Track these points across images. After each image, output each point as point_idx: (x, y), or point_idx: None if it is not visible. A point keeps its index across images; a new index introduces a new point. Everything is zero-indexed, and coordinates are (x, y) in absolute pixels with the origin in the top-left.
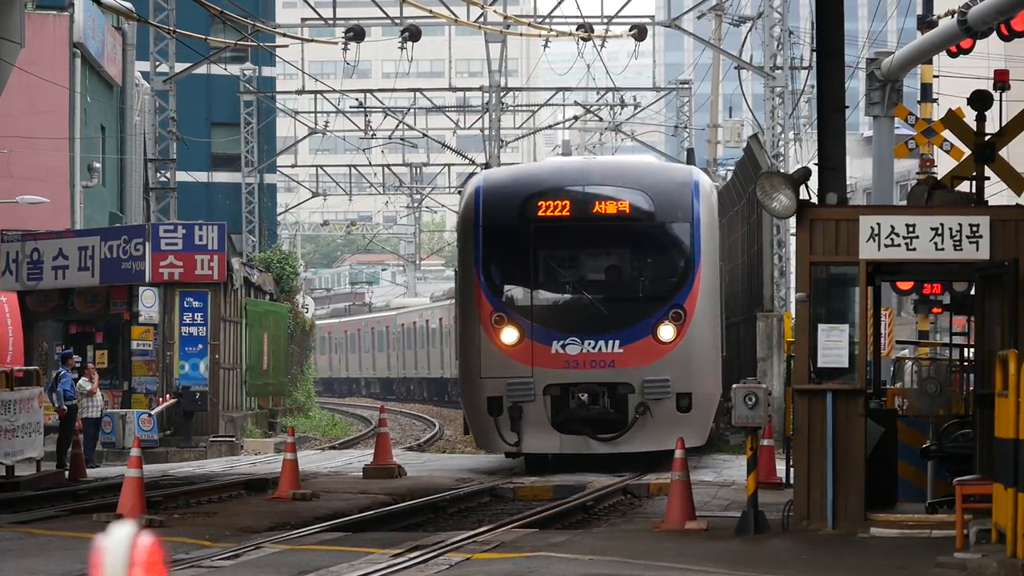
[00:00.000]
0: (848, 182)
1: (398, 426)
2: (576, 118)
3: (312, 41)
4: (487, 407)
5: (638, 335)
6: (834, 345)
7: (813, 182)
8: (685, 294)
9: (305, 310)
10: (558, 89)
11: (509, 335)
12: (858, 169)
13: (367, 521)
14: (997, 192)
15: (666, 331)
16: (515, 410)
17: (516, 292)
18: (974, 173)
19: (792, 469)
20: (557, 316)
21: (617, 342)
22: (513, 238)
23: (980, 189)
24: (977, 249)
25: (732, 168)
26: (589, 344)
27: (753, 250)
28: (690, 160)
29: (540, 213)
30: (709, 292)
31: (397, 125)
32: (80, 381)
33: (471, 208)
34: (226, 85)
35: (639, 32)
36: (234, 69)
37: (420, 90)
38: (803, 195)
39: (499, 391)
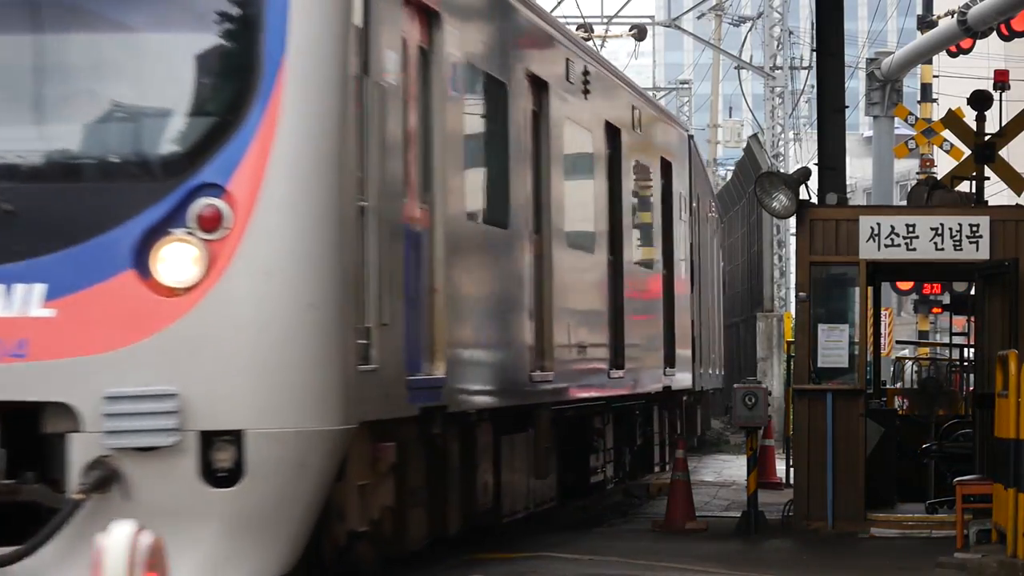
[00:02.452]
0: (848, 182)
1: None
2: None
3: None
4: None
5: (98, 272)
6: (834, 345)
7: (813, 182)
8: (233, 159)
9: None
10: None
11: None
12: (858, 169)
13: None
14: (997, 192)
15: (174, 260)
16: None
17: None
18: (974, 173)
19: (792, 469)
20: None
21: (40, 290)
22: None
23: (980, 189)
24: (977, 249)
25: (732, 168)
26: None
27: (753, 250)
28: None
29: None
30: (313, 153)
31: None
32: None
33: None
34: None
35: (639, 32)
36: None
37: None
38: (803, 195)
39: None
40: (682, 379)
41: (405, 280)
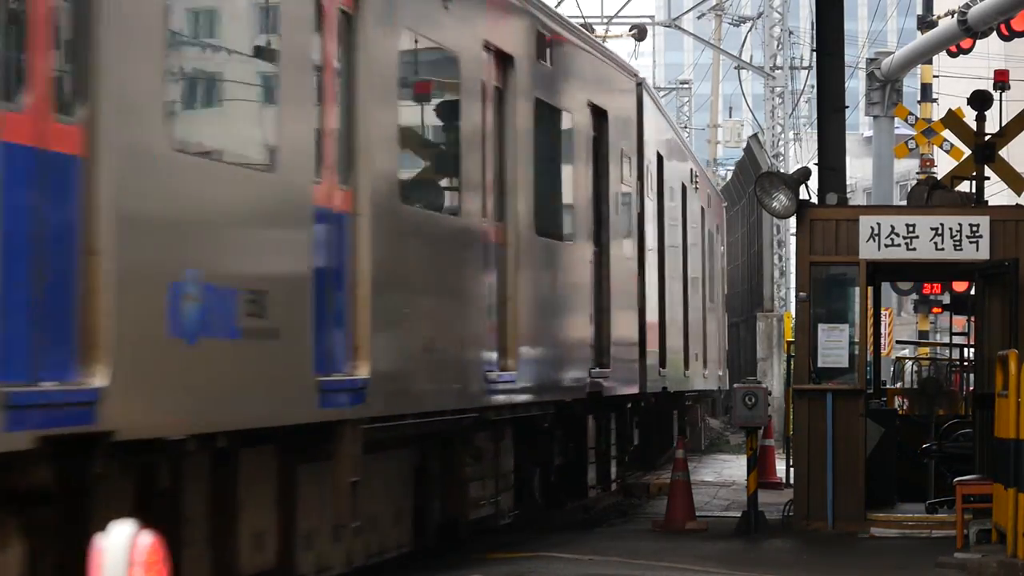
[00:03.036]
0: (848, 182)
1: None
2: None
3: None
4: None
5: None
6: (834, 345)
7: (813, 182)
8: None
9: None
10: None
11: None
12: (858, 169)
13: None
14: (997, 192)
15: None
16: None
17: None
18: (974, 173)
19: (792, 469)
20: None
21: None
22: None
23: (980, 189)
24: (977, 249)
25: (732, 168)
26: None
27: (753, 250)
28: None
29: None
30: None
31: None
32: None
33: None
34: None
35: (639, 32)
36: None
37: None
38: (803, 195)
39: None
40: (620, 381)
41: (15, 236)
